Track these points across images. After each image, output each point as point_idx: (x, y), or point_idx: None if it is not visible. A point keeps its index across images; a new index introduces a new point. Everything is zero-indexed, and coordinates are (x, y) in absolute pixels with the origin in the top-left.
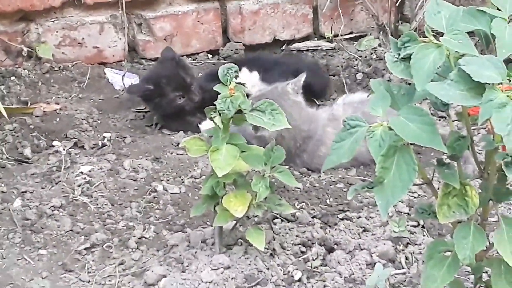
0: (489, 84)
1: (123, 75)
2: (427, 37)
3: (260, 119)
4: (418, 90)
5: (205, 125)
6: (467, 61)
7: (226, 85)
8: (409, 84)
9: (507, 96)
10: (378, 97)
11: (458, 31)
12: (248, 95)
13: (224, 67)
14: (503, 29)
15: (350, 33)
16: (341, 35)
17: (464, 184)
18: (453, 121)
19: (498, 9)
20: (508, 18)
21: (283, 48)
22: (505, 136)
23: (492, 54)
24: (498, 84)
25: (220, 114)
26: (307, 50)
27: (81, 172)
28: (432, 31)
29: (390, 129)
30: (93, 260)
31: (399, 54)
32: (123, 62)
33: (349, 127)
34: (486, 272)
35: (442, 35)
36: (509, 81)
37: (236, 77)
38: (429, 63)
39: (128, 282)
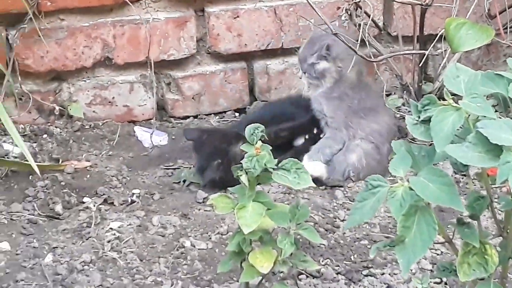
0: (506, 146)
1: (152, 133)
2: (446, 99)
3: (286, 177)
4: (437, 151)
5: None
6: (485, 124)
7: (253, 144)
8: (430, 145)
9: None
10: (399, 158)
11: (476, 94)
12: None
13: (251, 127)
14: None
15: None
16: None
17: (483, 243)
18: (473, 180)
19: None
20: None
21: None
22: None
23: (510, 117)
24: None
25: (246, 173)
26: None
27: (111, 228)
28: (452, 95)
29: (411, 189)
30: None
31: (419, 117)
32: (152, 120)
33: (371, 186)
34: None
35: (461, 99)
36: None
37: (262, 137)
38: (448, 126)
39: None
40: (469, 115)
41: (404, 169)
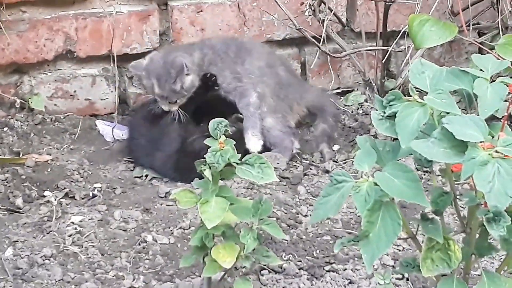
0: (471, 142)
1: (113, 127)
2: (411, 95)
3: (249, 172)
4: (403, 147)
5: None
6: (450, 120)
7: (216, 139)
8: (394, 140)
9: (489, 154)
10: (364, 153)
11: (441, 90)
12: None
13: (214, 122)
14: (485, 89)
15: (337, 88)
16: (329, 90)
17: (447, 239)
18: (437, 176)
19: (480, 69)
20: (490, 78)
21: None
22: (486, 193)
23: (474, 113)
24: (480, 142)
25: (210, 167)
26: None
27: (72, 222)
28: (416, 90)
29: (376, 184)
30: None
31: (384, 112)
32: (113, 114)
33: (336, 182)
34: None
35: (426, 94)
36: (492, 138)
37: (226, 131)
38: (414, 122)
39: None
40: (434, 111)
41: (369, 164)
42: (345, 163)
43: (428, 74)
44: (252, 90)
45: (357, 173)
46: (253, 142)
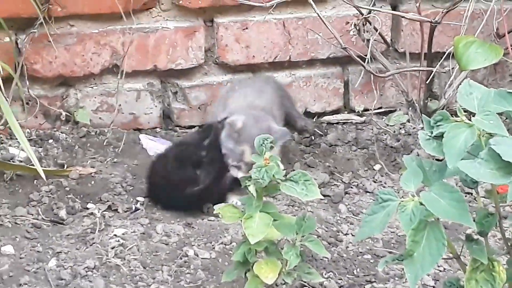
0: None
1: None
2: (458, 115)
3: (294, 189)
4: (449, 167)
5: None
6: (497, 141)
7: (262, 155)
8: (439, 160)
9: None
10: (411, 173)
11: (489, 112)
12: None
13: (260, 138)
14: None
15: (380, 108)
16: (371, 110)
17: (491, 260)
18: (481, 197)
19: None
20: None
21: (314, 120)
22: None
23: None
24: None
25: (254, 183)
26: (337, 123)
27: (115, 235)
28: (464, 111)
29: (421, 204)
30: None
31: (431, 132)
32: (157, 129)
33: (382, 200)
34: None
35: (474, 115)
36: None
37: (271, 148)
38: (461, 142)
39: None
40: (481, 132)
41: (415, 184)
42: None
43: (476, 95)
44: None
45: (398, 192)
46: None
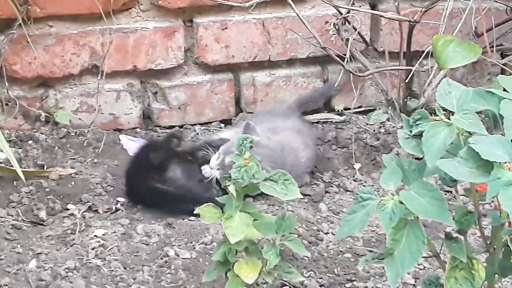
0: (497, 162)
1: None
2: (437, 114)
3: (273, 188)
4: (429, 166)
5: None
6: (476, 140)
7: (241, 155)
8: (418, 159)
9: None
10: (390, 172)
11: (468, 111)
12: None
13: (239, 138)
14: (511, 110)
15: (360, 107)
16: (351, 109)
17: (471, 258)
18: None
19: (505, 90)
20: None
21: None
22: (511, 213)
23: (500, 134)
24: (506, 162)
25: (234, 183)
26: (317, 122)
27: (95, 236)
28: (443, 110)
29: (401, 202)
30: None
31: (411, 131)
32: (138, 129)
33: (361, 199)
34: None
35: (453, 114)
36: None
37: (251, 147)
38: (440, 141)
39: None
40: (460, 130)
41: (395, 183)
42: (365, 181)
43: (455, 94)
44: None
45: (378, 191)
46: None
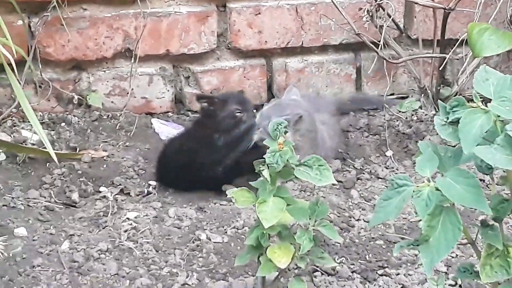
0: None
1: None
2: (473, 101)
3: (308, 173)
4: (465, 153)
5: None
6: None
7: (276, 140)
8: (454, 146)
9: None
10: (426, 159)
11: (505, 98)
12: None
13: (274, 123)
14: None
15: (392, 94)
16: (384, 96)
17: (507, 246)
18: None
19: None
20: None
21: None
22: None
23: None
24: None
25: (268, 168)
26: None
27: (127, 218)
28: (480, 97)
29: (437, 189)
30: None
31: (447, 118)
32: (169, 113)
33: (397, 185)
34: None
35: (489, 101)
36: None
37: (286, 132)
38: (477, 128)
39: None
40: (497, 118)
41: (431, 170)
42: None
43: (492, 82)
44: None
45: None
46: None
